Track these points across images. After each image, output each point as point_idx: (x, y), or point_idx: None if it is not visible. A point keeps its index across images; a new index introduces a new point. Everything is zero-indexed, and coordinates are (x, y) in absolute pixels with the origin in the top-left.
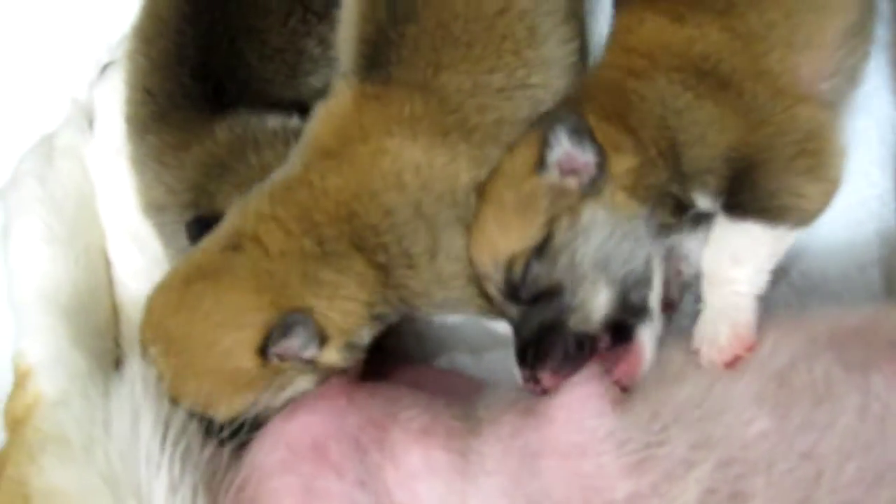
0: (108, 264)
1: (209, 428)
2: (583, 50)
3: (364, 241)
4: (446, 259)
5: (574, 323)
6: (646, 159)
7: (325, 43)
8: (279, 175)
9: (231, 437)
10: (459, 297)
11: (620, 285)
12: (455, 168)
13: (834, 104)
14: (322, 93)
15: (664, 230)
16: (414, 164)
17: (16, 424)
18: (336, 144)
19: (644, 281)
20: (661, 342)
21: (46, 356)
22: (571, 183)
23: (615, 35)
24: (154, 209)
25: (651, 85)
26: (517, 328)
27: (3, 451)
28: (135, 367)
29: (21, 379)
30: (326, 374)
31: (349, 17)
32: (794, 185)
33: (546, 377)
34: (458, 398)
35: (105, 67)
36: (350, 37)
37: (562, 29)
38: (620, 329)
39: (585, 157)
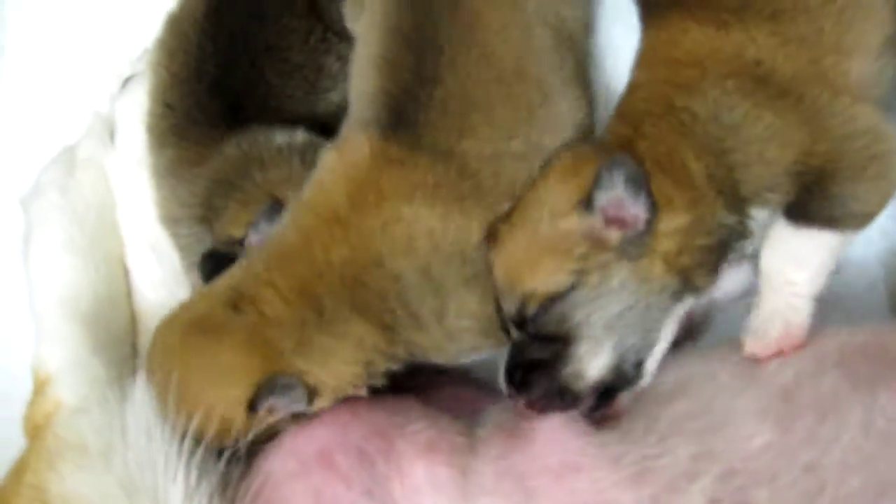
0: (126, 273)
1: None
2: (591, 107)
3: (368, 307)
4: (456, 317)
5: (565, 375)
6: (698, 215)
7: (344, 59)
8: (278, 235)
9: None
10: (473, 346)
11: (622, 355)
12: (468, 231)
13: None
14: (341, 108)
15: (693, 293)
16: (428, 229)
17: (36, 431)
18: (347, 209)
19: (647, 348)
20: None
21: (66, 363)
22: (613, 235)
23: (653, 50)
24: (170, 221)
25: (703, 99)
26: (514, 347)
27: (22, 457)
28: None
29: (41, 386)
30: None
31: (367, 72)
32: (862, 192)
33: (522, 405)
34: (466, 411)
35: (127, 80)
36: (371, 90)
37: (571, 89)
38: (606, 392)
39: (636, 209)
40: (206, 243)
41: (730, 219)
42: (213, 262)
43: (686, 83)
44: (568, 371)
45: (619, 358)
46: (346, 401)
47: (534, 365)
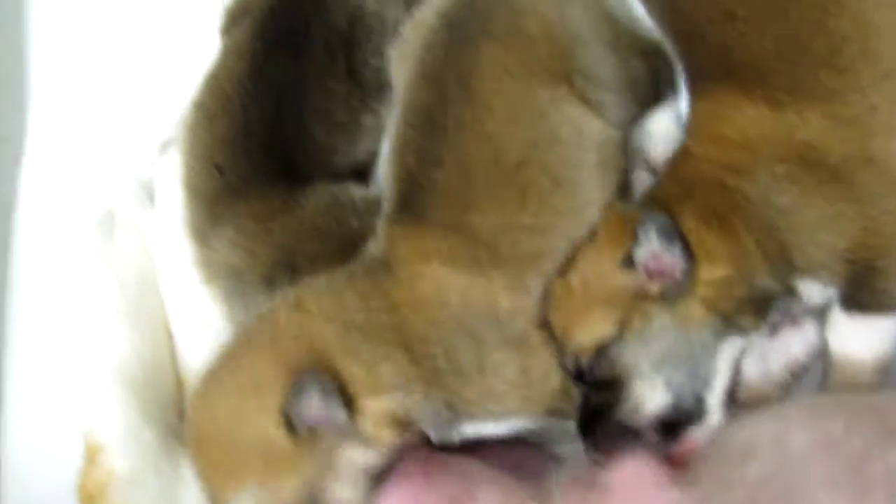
0: (171, 337)
1: None
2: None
3: (412, 346)
4: (495, 379)
5: (624, 412)
6: (740, 271)
7: (377, 114)
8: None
9: None
10: (516, 411)
11: (677, 389)
12: (493, 294)
13: None
14: (374, 155)
15: (740, 331)
16: (455, 286)
17: (90, 500)
18: (378, 269)
19: (703, 384)
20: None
21: (117, 431)
22: (654, 286)
23: (703, 122)
24: (225, 274)
25: (754, 182)
26: (582, 401)
27: None
28: None
29: (92, 454)
30: (388, 452)
31: (388, 155)
32: None
33: (596, 455)
34: (528, 473)
35: (165, 145)
36: (387, 176)
37: (598, 178)
38: (671, 427)
39: (673, 260)
40: (266, 290)
41: (773, 284)
42: None
43: (737, 166)
44: (626, 408)
45: (676, 394)
46: (418, 468)
47: (597, 411)
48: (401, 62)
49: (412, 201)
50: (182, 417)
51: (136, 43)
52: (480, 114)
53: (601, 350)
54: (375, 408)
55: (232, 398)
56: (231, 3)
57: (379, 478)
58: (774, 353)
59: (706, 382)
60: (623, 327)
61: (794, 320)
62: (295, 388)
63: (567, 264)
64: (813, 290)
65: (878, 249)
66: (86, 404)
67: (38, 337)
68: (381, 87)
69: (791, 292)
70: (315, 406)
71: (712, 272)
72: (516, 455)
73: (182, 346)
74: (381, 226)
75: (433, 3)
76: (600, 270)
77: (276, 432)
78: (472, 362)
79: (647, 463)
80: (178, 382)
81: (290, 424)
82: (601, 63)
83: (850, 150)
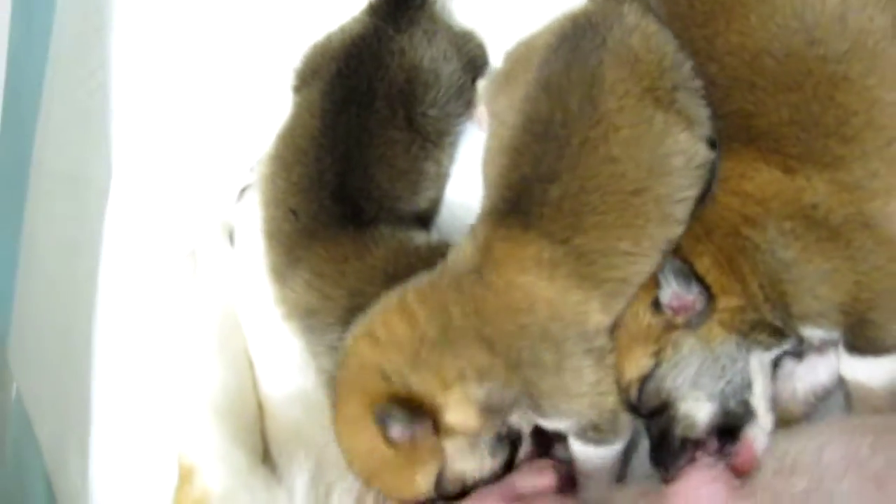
0: (251, 366)
1: None
2: None
3: (497, 340)
4: (572, 379)
5: (681, 431)
6: (751, 303)
7: (440, 163)
8: (421, 279)
9: None
10: (583, 410)
11: (720, 397)
12: (586, 308)
13: None
14: (436, 203)
15: (762, 346)
16: (546, 298)
17: None
18: (475, 266)
19: (743, 388)
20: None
21: (210, 454)
22: (680, 319)
23: (729, 178)
24: (303, 313)
25: (763, 234)
26: (648, 434)
27: None
28: (304, 465)
29: (186, 475)
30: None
31: (495, 158)
32: None
33: (662, 475)
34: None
35: (244, 189)
36: (494, 177)
37: (686, 213)
38: (728, 431)
39: (692, 296)
40: (343, 330)
41: (778, 322)
42: None
43: (751, 217)
44: (682, 426)
45: (721, 403)
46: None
47: (659, 440)
48: (498, 89)
49: (522, 209)
50: (263, 441)
51: (214, 93)
52: (607, 134)
53: (645, 381)
54: (452, 399)
55: (346, 424)
56: (301, 65)
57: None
58: (801, 374)
59: (747, 387)
60: (659, 358)
61: (819, 348)
62: (377, 419)
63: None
64: (814, 334)
65: (869, 302)
66: (178, 429)
67: (122, 366)
68: (440, 135)
69: (794, 334)
70: (400, 429)
71: (727, 302)
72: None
73: (262, 377)
74: (478, 225)
75: (537, 32)
76: (636, 314)
77: (386, 449)
78: (552, 362)
79: (707, 477)
80: (259, 407)
81: (390, 442)
82: (692, 74)
83: (849, 212)
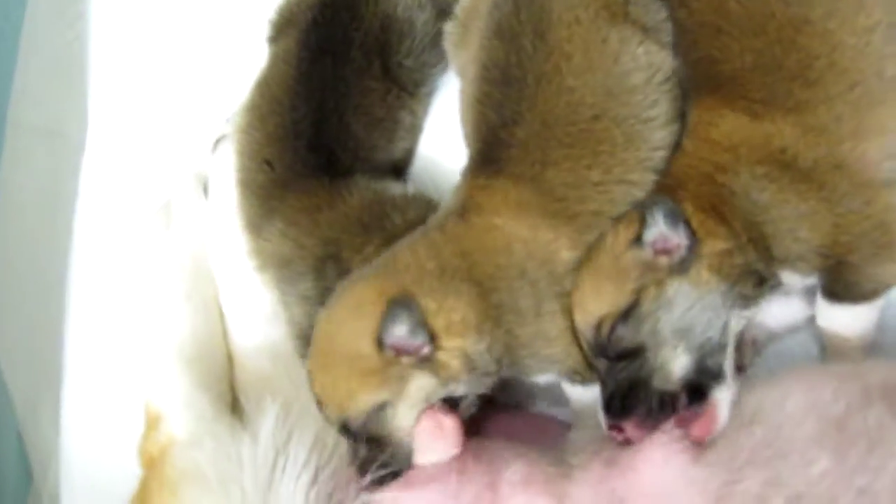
0: (221, 315)
1: (353, 452)
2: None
3: (482, 280)
4: (549, 323)
5: (656, 382)
6: (737, 245)
7: (415, 114)
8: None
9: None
10: (561, 356)
11: (698, 352)
12: (557, 245)
13: (894, 180)
14: (410, 153)
15: (743, 301)
16: (521, 238)
17: (151, 462)
18: (460, 211)
19: (720, 348)
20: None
21: (176, 401)
22: (662, 261)
23: (697, 127)
24: (274, 263)
25: (737, 179)
26: (604, 381)
27: (143, 486)
28: (269, 412)
29: (153, 421)
30: (449, 387)
31: (465, 114)
32: (876, 274)
33: (630, 428)
34: (549, 444)
35: (218, 140)
36: (467, 133)
37: (661, 133)
38: (696, 390)
39: (678, 239)
40: (315, 279)
41: (762, 267)
42: None
43: (722, 165)
44: (657, 377)
45: (696, 358)
46: (450, 466)
47: (629, 387)
48: (457, 44)
49: (493, 156)
50: (232, 390)
51: (190, 46)
52: (559, 65)
53: (620, 320)
54: (452, 344)
55: (341, 318)
56: (276, 16)
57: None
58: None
59: (722, 347)
60: (639, 296)
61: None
62: (389, 314)
63: (586, 253)
64: (793, 279)
65: (848, 245)
66: (146, 377)
67: (96, 310)
68: (416, 85)
69: (776, 278)
70: (404, 332)
71: (714, 246)
72: (538, 425)
73: (232, 326)
74: (461, 179)
75: None
76: (613, 252)
77: (368, 350)
78: (530, 306)
79: (672, 447)
80: (228, 358)
81: (380, 344)
82: None
83: (818, 155)
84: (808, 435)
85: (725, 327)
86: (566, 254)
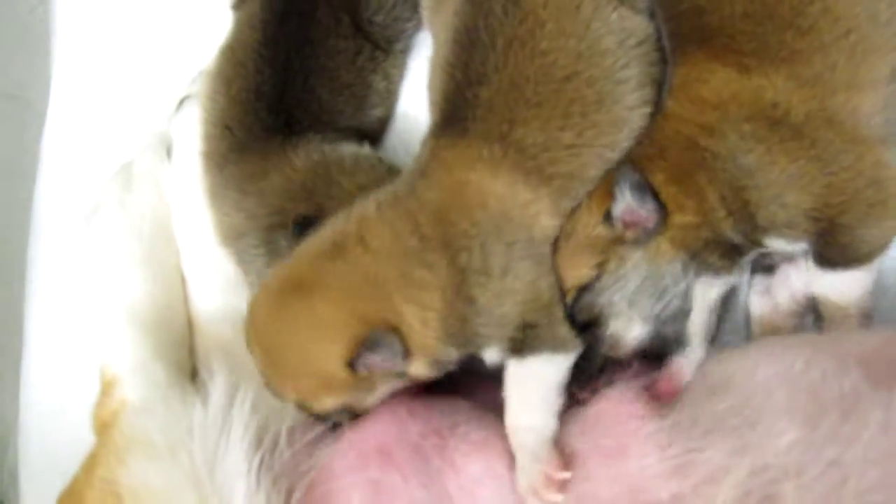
0: (183, 281)
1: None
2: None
3: (453, 241)
4: (514, 278)
5: (605, 350)
6: (706, 220)
7: (389, 78)
8: (384, 191)
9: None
10: (507, 314)
11: (654, 321)
12: (536, 208)
13: (885, 137)
14: (384, 122)
15: (711, 270)
16: (497, 193)
17: (104, 428)
18: (427, 172)
19: (680, 315)
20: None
21: (130, 366)
22: (629, 234)
23: (682, 84)
24: (233, 236)
25: (723, 141)
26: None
27: (93, 453)
28: (218, 378)
29: (107, 387)
30: (411, 381)
31: (434, 78)
32: (869, 236)
33: (577, 392)
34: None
35: (182, 101)
36: (433, 96)
37: (634, 95)
38: (656, 357)
39: (645, 212)
40: (267, 251)
41: (737, 238)
42: (305, 226)
43: (709, 125)
44: (607, 345)
45: (653, 326)
46: (403, 401)
47: (583, 354)
48: (435, 8)
49: (457, 116)
50: (191, 356)
51: (154, 10)
52: (533, 30)
53: (581, 292)
54: (424, 360)
55: (303, 329)
56: None
57: None
58: (777, 286)
59: (685, 315)
60: (601, 271)
61: (787, 257)
62: (367, 345)
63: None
64: (778, 245)
65: (841, 206)
66: (102, 341)
67: (57, 282)
68: (389, 42)
69: (758, 246)
70: (380, 360)
71: (681, 219)
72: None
73: (193, 292)
74: (423, 142)
75: None
76: (585, 226)
77: (338, 370)
78: (500, 264)
79: (626, 397)
80: (188, 324)
81: (352, 367)
82: None
83: (811, 108)
84: (778, 404)
85: (688, 294)
86: (546, 220)
